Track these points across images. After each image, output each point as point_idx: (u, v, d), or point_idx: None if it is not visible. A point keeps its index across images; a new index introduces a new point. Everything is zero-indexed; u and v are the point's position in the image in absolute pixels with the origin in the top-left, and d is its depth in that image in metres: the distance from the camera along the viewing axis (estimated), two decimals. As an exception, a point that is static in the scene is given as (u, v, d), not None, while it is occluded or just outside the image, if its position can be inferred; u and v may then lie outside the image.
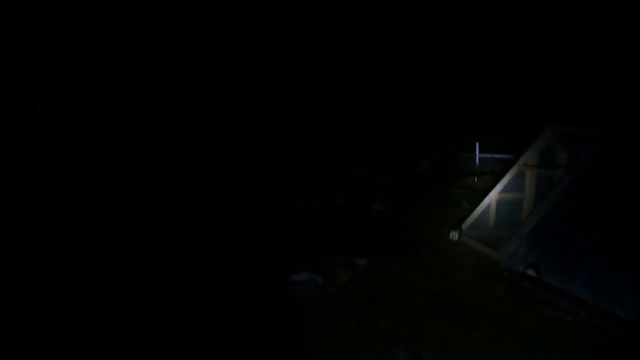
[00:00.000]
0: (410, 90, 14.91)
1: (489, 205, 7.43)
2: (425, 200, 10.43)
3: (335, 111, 12.86)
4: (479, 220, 7.45)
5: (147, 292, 4.82)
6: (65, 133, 7.42)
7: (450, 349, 3.92)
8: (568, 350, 3.98)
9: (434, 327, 4.30)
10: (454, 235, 7.19)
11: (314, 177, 11.48)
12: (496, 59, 15.14)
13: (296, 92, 12.51)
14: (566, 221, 6.06)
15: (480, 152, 19.95)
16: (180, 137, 9.57)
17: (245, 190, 9.01)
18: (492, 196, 7.38)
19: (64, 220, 6.07)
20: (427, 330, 4.23)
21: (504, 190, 7.45)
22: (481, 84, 16.17)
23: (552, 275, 5.57)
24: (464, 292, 5.14)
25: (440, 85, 15.92)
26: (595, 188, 6.24)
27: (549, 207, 6.33)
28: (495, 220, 7.49)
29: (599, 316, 4.62)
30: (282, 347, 3.96)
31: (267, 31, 11.82)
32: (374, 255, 6.03)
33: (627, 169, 6.09)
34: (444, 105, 16.66)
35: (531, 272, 5.69)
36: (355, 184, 11.42)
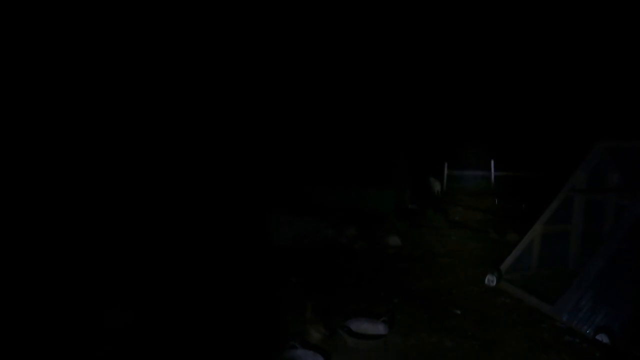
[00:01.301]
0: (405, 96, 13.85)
1: (531, 242, 6.05)
2: (448, 230, 9.08)
3: (332, 114, 11.69)
4: (521, 259, 6.07)
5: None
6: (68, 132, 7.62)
7: None
8: None
9: None
10: (491, 279, 5.82)
11: (312, 192, 10.25)
12: (492, 61, 14.06)
13: (295, 93, 11.40)
14: (642, 266, 4.69)
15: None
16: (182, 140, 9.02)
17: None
18: (537, 230, 6.01)
19: (64, 220, 6.18)
20: None
21: (550, 221, 6.08)
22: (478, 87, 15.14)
23: (632, 341, 4.20)
24: (520, 374, 3.77)
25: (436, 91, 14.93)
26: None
27: (615, 246, 4.95)
28: (539, 259, 6.12)
29: None
30: None
31: (268, 35, 10.91)
32: (394, 315, 4.68)
33: None
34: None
35: (603, 338, 4.31)
36: (361, 206, 10.12)
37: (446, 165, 17.60)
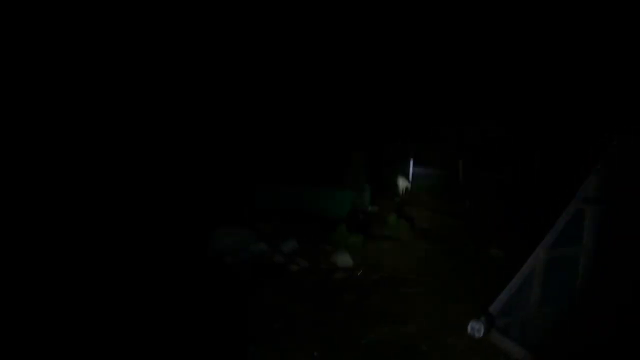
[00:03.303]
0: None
1: (532, 272, 4.32)
2: (414, 242, 7.30)
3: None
4: (517, 296, 4.33)
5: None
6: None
7: None
8: None
9: None
10: (476, 328, 4.01)
11: (249, 192, 8.38)
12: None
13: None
14: None
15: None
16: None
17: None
18: (539, 256, 4.28)
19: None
20: None
21: (556, 244, 4.36)
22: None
23: None
24: None
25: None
26: None
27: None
28: (541, 294, 4.40)
29: None
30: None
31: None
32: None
33: None
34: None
35: None
36: (309, 208, 8.26)
37: (412, 162, 15.97)
